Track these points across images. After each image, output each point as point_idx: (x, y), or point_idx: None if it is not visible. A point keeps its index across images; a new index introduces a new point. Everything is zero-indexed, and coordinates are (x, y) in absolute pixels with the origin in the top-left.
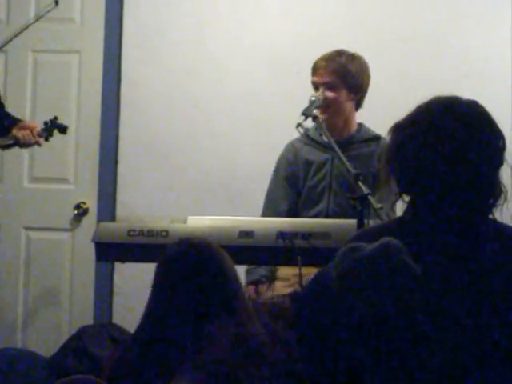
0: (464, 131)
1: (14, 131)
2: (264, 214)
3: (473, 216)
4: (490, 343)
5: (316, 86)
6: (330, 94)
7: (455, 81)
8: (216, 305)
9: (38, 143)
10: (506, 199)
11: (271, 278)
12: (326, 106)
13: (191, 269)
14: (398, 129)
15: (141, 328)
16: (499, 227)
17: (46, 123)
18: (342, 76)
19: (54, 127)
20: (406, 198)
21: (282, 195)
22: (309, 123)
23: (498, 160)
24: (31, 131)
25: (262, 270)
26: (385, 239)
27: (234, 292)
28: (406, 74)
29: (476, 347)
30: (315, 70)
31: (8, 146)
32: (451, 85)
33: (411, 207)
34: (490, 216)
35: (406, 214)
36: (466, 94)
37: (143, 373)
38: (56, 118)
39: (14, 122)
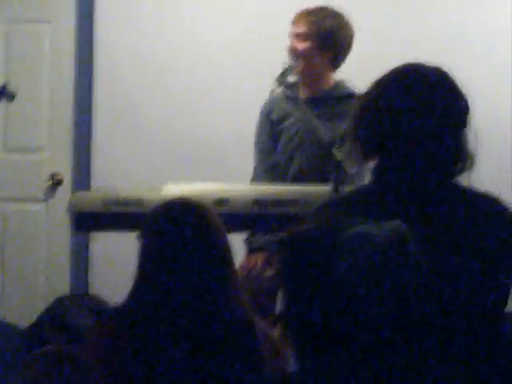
0: (426, 94)
1: None
2: (255, 170)
3: (435, 180)
4: (463, 311)
5: (290, 38)
6: (300, 45)
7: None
8: (209, 265)
9: None
10: (472, 164)
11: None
12: (296, 57)
13: (188, 228)
14: (363, 94)
15: (133, 295)
16: (465, 191)
17: None
18: (315, 28)
19: (1, 95)
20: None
21: (267, 150)
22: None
23: (461, 122)
24: None
25: (263, 238)
26: (393, 225)
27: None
28: (394, 39)
29: (453, 315)
30: (293, 21)
31: None
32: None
33: (375, 173)
34: (457, 181)
35: (372, 179)
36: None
37: (133, 343)
38: (4, 86)
39: None
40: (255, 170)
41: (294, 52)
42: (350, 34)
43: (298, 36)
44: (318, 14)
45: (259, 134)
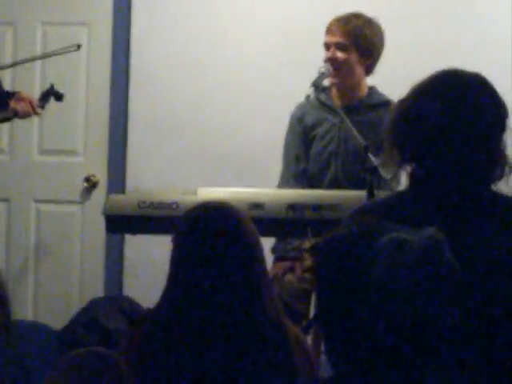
0: (465, 100)
1: (13, 104)
2: (284, 176)
3: (473, 187)
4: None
5: (328, 47)
6: (340, 55)
7: (467, 52)
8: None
9: (36, 114)
10: (511, 171)
11: (298, 253)
12: (336, 67)
13: (221, 230)
14: (401, 100)
15: (166, 298)
16: (503, 198)
17: (43, 92)
18: (355, 38)
19: (50, 95)
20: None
21: (298, 156)
22: None
23: (500, 128)
24: (30, 103)
25: (289, 246)
26: (430, 232)
27: (259, 258)
28: (420, 43)
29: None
30: (328, 30)
31: (7, 119)
32: (464, 56)
33: (412, 179)
34: (493, 187)
35: (408, 185)
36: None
37: (166, 346)
38: (52, 87)
39: (10, 94)
40: (283, 175)
41: (334, 62)
42: (383, 40)
43: (338, 45)
44: (355, 22)
45: (290, 139)
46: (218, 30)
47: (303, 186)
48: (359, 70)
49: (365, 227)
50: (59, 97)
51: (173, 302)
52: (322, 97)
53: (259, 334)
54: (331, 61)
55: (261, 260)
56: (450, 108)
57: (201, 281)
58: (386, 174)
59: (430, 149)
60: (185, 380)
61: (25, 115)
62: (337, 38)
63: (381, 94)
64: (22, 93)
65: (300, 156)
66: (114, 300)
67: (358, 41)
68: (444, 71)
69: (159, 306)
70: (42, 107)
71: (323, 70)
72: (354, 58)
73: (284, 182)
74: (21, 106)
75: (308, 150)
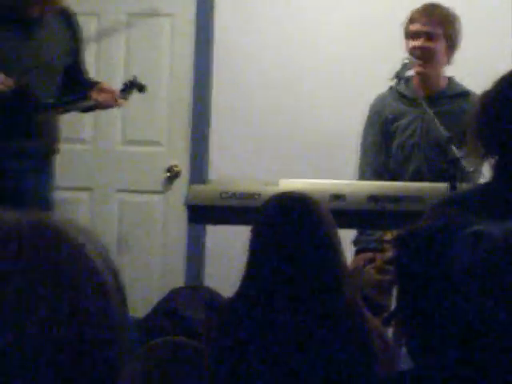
0: None
1: (94, 94)
2: (362, 169)
3: None
4: None
5: (415, 36)
6: (430, 44)
7: None
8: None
9: (118, 105)
10: None
11: (380, 245)
12: (425, 56)
13: (300, 221)
14: (485, 91)
15: (244, 289)
16: None
17: (125, 84)
18: (444, 27)
19: (132, 87)
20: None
21: (378, 148)
22: None
23: None
24: (112, 94)
25: (369, 238)
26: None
27: (336, 251)
28: (492, 28)
29: None
30: (415, 19)
31: (89, 109)
32: None
33: (496, 171)
34: None
35: (492, 178)
36: None
37: (243, 336)
38: (135, 78)
39: (92, 84)
40: (362, 168)
41: (423, 51)
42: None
43: (428, 35)
44: (442, 11)
45: (368, 132)
46: (300, 26)
47: (383, 179)
48: (444, 59)
49: (447, 220)
50: (141, 88)
51: (250, 292)
52: (402, 88)
53: (337, 323)
54: (421, 50)
55: (339, 251)
56: None
57: (278, 272)
58: (468, 166)
59: None
60: (261, 370)
61: (106, 106)
62: (426, 27)
63: (460, 85)
64: (103, 83)
65: (379, 149)
66: (195, 290)
67: (447, 30)
68: None
69: (237, 296)
70: (125, 98)
71: (407, 61)
72: (442, 47)
73: (361, 175)
74: (102, 97)
75: (388, 142)
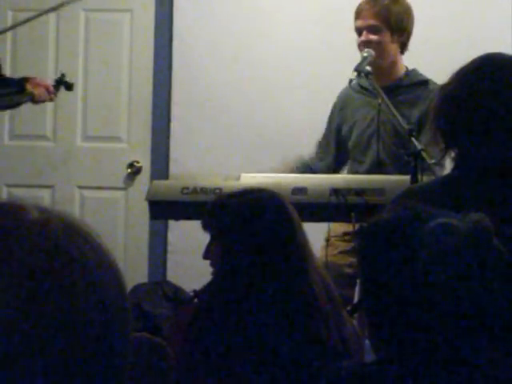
0: (508, 81)
1: (29, 87)
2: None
3: None
4: None
5: (359, 31)
6: (373, 37)
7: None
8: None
9: (51, 100)
10: None
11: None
12: (374, 50)
13: (265, 216)
14: (444, 84)
15: (214, 286)
16: None
17: (55, 80)
18: (385, 18)
19: (60, 84)
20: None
21: (327, 147)
22: None
23: None
24: (47, 89)
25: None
26: (477, 217)
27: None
28: (456, 16)
29: None
30: (358, 13)
31: (21, 103)
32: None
33: (456, 163)
34: None
35: (452, 170)
36: None
37: (211, 332)
38: (63, 75)
39: (25, 79)
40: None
41: (368, 45)
42: (412, 15)
43: (369, 29)
44: (380, 1)
45: (327, 126)
46: (259, 17)
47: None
48: (394, 49)
49: (411, 212)
50: (69, 86)
51: (220, 287)
52: (362, 81)
53: (305, 319)
54: (365, 44)
55: (305, 244)
56: (494, 89)
57: (251, 266)
58: (429, 158)
59: (475, 130)
60: (231, 362)
61: (40, 100)
62: (367, 21)
63: (419, 74)
64: (36, 78)
65: (327, 150)
66: (158, 286)
67: (388, 20)
68: (488, 54)
69: (206, 289)
70: (54, 95)
71: (366, 54)
72: (387, 38)
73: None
74: (38, 92)
75: (342, 137)
